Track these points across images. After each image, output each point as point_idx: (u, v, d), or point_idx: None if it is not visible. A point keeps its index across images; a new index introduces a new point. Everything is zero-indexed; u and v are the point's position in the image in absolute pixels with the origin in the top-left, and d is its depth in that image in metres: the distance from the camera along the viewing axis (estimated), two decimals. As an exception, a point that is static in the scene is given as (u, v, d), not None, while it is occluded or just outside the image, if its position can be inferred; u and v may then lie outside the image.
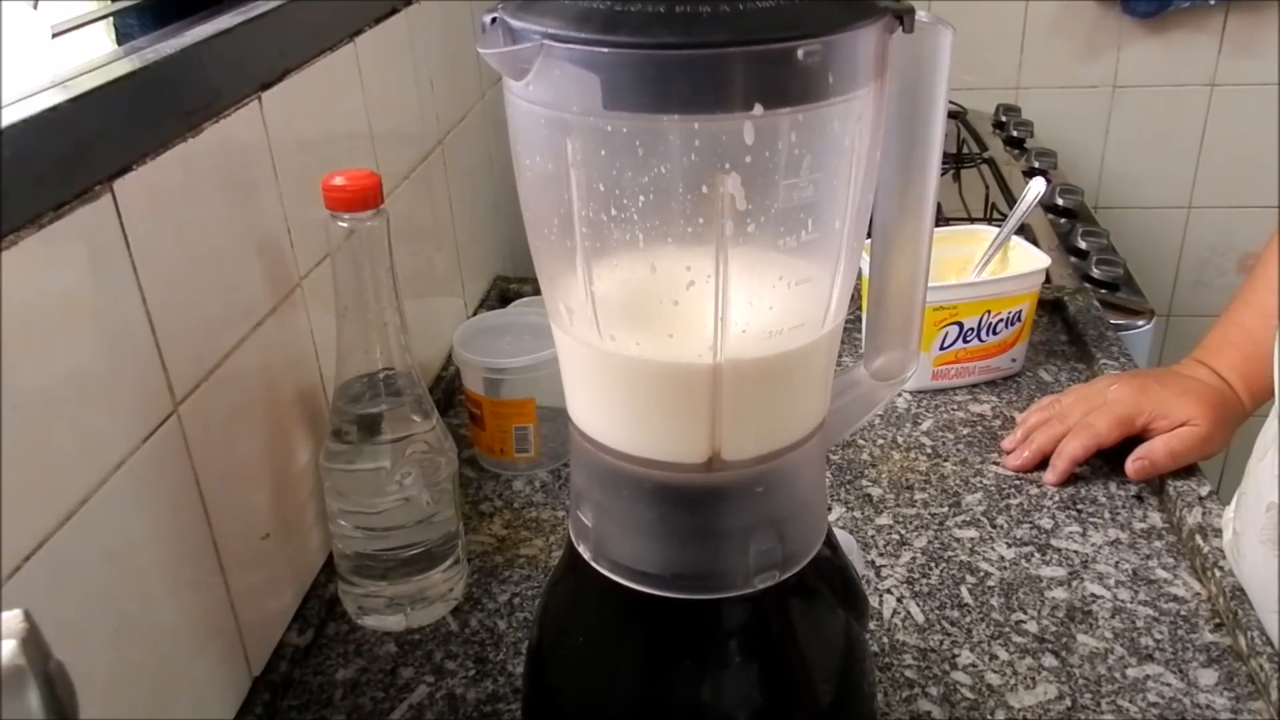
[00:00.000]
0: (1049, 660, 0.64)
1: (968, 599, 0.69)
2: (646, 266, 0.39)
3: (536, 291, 1.09)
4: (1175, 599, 0.68)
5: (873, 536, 0.75)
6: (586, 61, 0.35)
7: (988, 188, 1.40)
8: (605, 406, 0.43)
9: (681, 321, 0.40)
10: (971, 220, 1.28)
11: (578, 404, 0.45)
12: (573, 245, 0.39)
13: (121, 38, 0.64)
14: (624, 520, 0.44)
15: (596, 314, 0.40)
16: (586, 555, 0.46)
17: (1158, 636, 0.65)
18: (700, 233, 0.37)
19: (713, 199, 0.36)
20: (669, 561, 0.44)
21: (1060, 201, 1.38)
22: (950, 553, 0.73)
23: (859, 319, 0.96)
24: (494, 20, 0.36)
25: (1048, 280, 0.99)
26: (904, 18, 0.38)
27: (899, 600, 0.69)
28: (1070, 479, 0.80)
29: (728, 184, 0.36)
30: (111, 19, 0.64)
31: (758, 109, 0.35)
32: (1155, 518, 0.76)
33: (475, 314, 1.02)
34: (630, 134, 0.36)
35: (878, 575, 0.71)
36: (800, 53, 0.34)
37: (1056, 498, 0.78)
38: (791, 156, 0.36)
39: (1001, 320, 0.89)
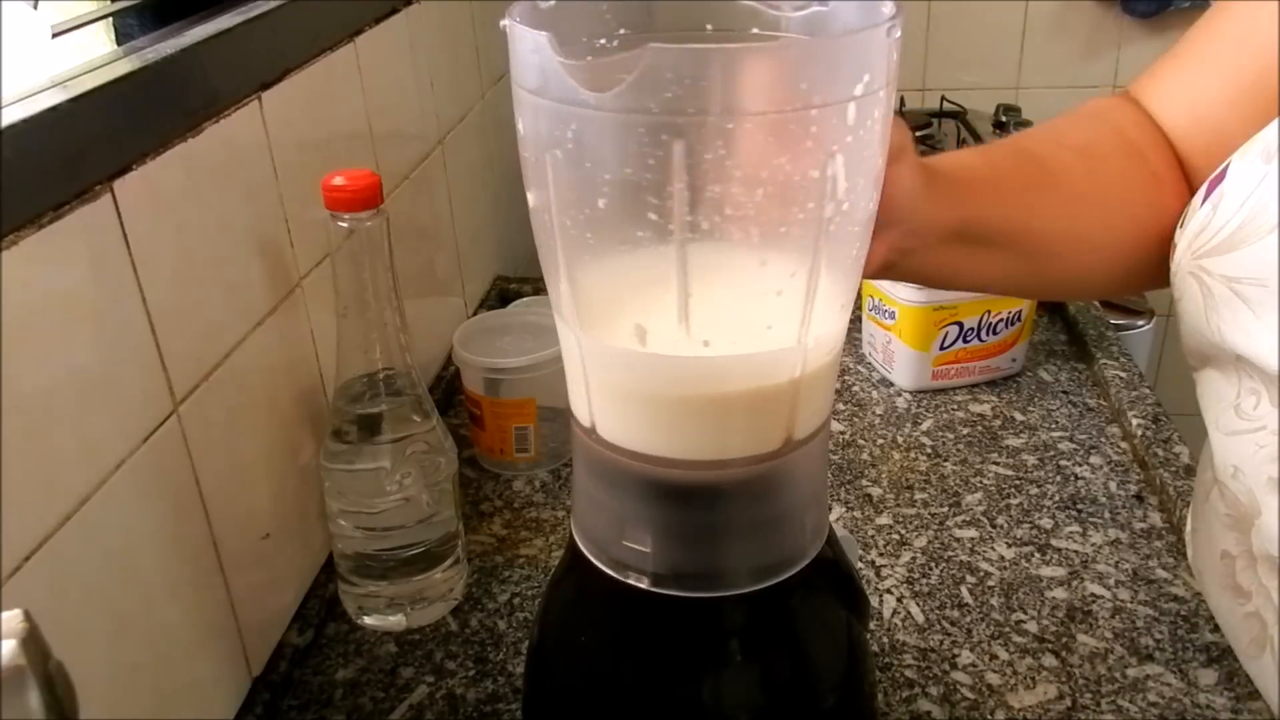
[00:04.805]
0: (1049, 660, 0.64)
1: (968, 599, 0.69)
2: (659, 263, 0.38)
3: (536, 291, 1.09)
4: (1175, 599, 0.68)
5: (873, 536, 0.75)
6: (702, 62, 0.35)
7: (988, 188, 1.39)
8: (609, 404, 0.43)
9: (690, 318, 0.40)
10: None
11: (580, 401, 0.45)
12: (593, 241, 0.39)
13: (121, 38, 0.64)
14: (625, 519, 0.44)
15: (607, 310, 0.40)
16: (588, 554, 0.46)
17: (1158, 636, 0.65)
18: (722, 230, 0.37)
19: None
20: (670, 560, 0.44)
21: (1060, 201, 1.38)
22: (950, 553, 0.73)
23: (859, 319, 0.96)
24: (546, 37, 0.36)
25: (1048, 280, 0.99)
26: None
27: (899, 600, 0.69)
28: (1070, 478, 0.80)
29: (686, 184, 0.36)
30: (111, 19, 0.64)
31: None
32: (1155, 518, 0.76)
33: (475, 314, 1.02)
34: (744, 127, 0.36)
35: (878, 575, 0.71)
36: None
37: (1056, 498, 0.78)
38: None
39: (1001, 320, 0.89)
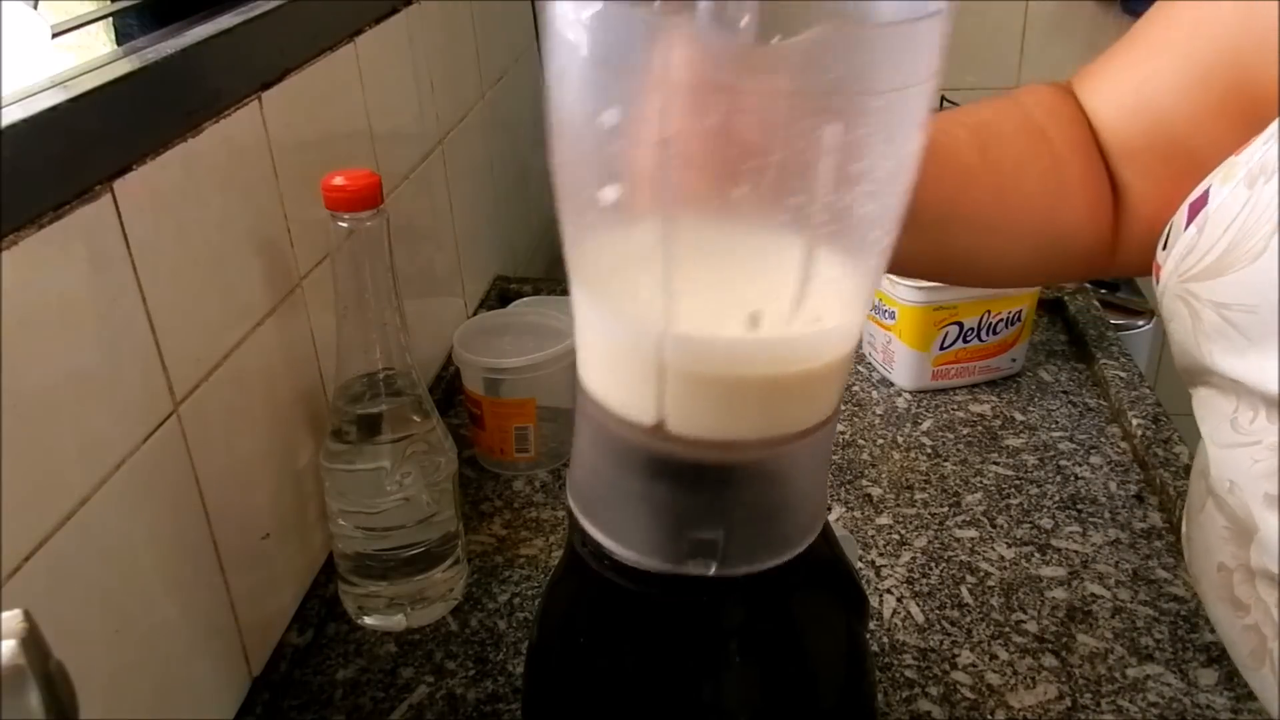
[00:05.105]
0: (1049, 660, 0.64)
1: (968, 599, 0.69)
2: (776, 247, 0.38)
3: (536, 291, 1.09)
4: (1175, 599, 0.68)
5: (873, 536, 0.75)
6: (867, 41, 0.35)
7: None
8: (692, 396, 0.42)
9: (808, 298, 0.40)
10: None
11: (643, 399, 0.43)
12: (714, 231, 0.38)
13: (121, 38, 0.64)
14: (692, 513, 0.44)
15: (712, 302, 0.40)
16: (586, 555, 0.46)
17: (1158, 636, 0.65)
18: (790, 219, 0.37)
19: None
20: (739, 540, 0.43)
21: (1060, 201, 1.38)
22: (950, 553, 0.73)
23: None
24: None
25: (1048, 280, 0.99)
26: None
27: (899, 600, 0.69)
28: (1070, 478, 0.80)
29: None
30: (111, 19, 0.65)
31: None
32: (1155, 518, 0.76)
33: (475, 314, 1.02)
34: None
35: (878, 575, 0.71)
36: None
37: (1056, 498, 0.78)
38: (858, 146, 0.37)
39: (1002, 320, 0.89)
